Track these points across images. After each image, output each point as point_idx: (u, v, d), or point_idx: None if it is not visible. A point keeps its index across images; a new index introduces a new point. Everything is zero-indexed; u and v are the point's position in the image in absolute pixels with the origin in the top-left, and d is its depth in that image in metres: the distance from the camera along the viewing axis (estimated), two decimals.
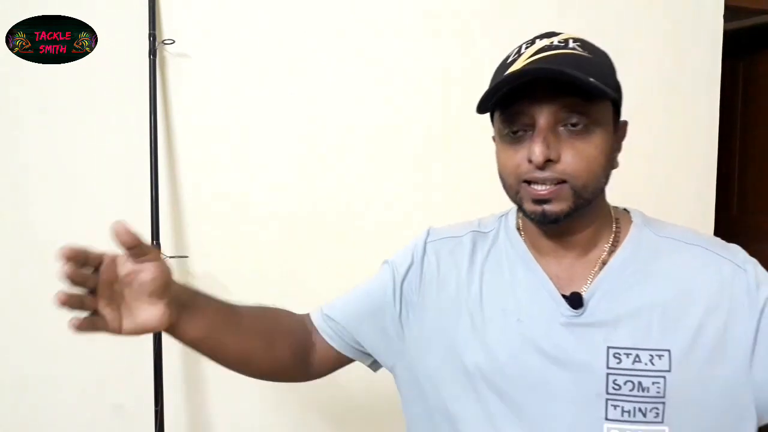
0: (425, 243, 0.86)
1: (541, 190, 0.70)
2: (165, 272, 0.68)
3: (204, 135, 1.30)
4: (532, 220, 0.74)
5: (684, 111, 1.63)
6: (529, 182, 0.70)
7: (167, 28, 1.25)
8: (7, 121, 1.21)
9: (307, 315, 0.89)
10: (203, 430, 1.34)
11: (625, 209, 0.83)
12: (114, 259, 0.67)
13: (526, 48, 0.73)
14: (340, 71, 1.36)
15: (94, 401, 1.27)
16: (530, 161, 0.69)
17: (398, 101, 1.40)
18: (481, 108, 0.72)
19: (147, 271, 0.66)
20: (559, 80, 0.67)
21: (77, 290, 0.64)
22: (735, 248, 0.77)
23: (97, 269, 0.66)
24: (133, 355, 1.26)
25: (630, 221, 0.80)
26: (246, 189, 1.33)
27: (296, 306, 1.21)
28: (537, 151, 0.68)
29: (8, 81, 1.20)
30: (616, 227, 0.79)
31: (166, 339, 1.23)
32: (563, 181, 0.69)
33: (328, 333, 0.86)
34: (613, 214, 0.80)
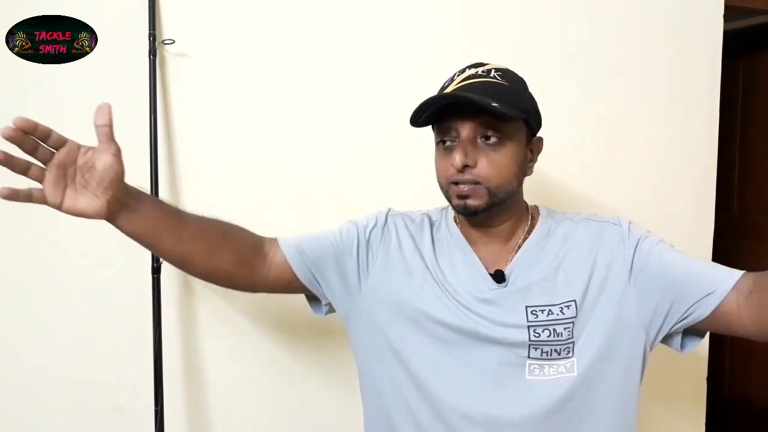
0: (387, 215, 1.06)
1: (462, 188, 0.90)
2: (119, 167, 0.82)
3: (204, 135, 1.30)
4: (457, 212, 0.95)
5: (684, 111, 1.63)
6: (455, 183, 0.91)
7: (167, 28, 1.25)
8: (7, 121, 1.21)
9: (272, 239, 1.04)
10: (203, 430, 1.34)
11: (535, 206, 1.04)
12: (78, 147, 0.80)
13: (458, 75, 0.94)
14: (342, 70, 1.36)
15: (94, 401, 1.27)
16: (453, 165, 0.89)
17: (401, 101, 1.39)
18: (413, 122, 0.93)
19: (105, 160, 0.80)
20: (476, 103, 0.86)
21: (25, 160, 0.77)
22: (614, 216, 1.00)
23: (56, 150, 0.79)
24: (133, 355, 1.26)
25: (539, 214, 1.02)
26: (246, 189, 1.33)
27: (297, 304, 1.21)
28: (456, 158, 0.88)
29: (8, 81, 1.20)
30: (531, 220, 1.00)
31: (166, 339, 1.24)
32: (478, 183, 0.89)
33: (293, 257, 1.01)
34: (529, 210, 1.01)
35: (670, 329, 0.92)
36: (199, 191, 1.31)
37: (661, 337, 0.93)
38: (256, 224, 1.33)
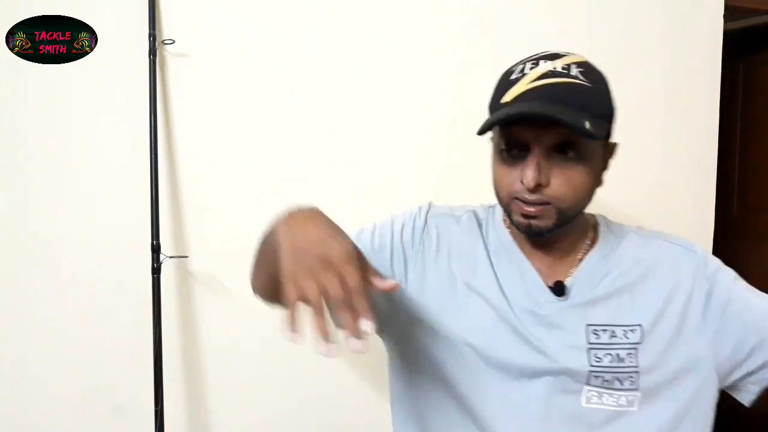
0: (426, 216, 0.93)
1: (529, 208, 0.77)
2: None
3: (204, 135, 1.30)
4: (518, 230, 0.82)
5: (684, 111, 1.63)
6: (520, 199, 0.78)
7: (167, 28, 1.25)
8: (7, 121, 1.21)
9: None
10: (203, 430, 1.34)
11: (592, 215, 0.93)
12: None
13: (531, 68, 0.77)
14: (343, 69, 1.36)
15: (94, 401, 1.27)
16: (522, 181, 0.76)
17: (403, 99, 1.40)
18: (483, 133, 0.78)
19: None
20: (567, 125, 0.72)
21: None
22: (683, 239, 0.90)
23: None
24: (133, 355, 1.26)
25: (597, 224, 0.91)
26: (246, 189, 1.33)
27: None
28: (529, 176, 0.75)
29: (8, 81, 1.20)
30: (593, 233, 0.89)
31: (166, 339, 1.24)
32: (548, 203, 0.77)
33: None
34: (590, 221, 0.90)
35: (742, 377, 0.83)
36: (199, 191, 1.31)
37: (728, 382, 0.84)
38: (255, 224, 1.34)
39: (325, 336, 0.58)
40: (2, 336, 1.23)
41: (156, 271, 1.21)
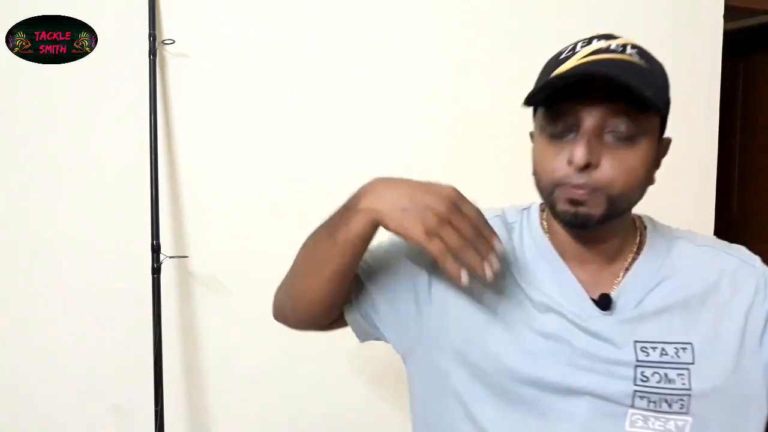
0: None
1: (577, 192, 0.69)
2: None
3: (204, 135, 1.30)
4: (562, 221, 0.73)
5: (684, 111, 1.62)
6: (566, 184, 0.70)
7: (167, 28, 1.25)
8: (7, 121, 1.21)
9: None
10: (203, 430, 1.34)
11: (638, 216, 0.85)
12: None
13: (582, 47, 0.72)
14: (343, 69, 1.36)
15: (94, 401, 1.27)
16: (569, 163, 0.68)
17: (403, 99, 1.40)
18: (530, 102, 0.71)
19: None
20: (613, 84, 0.65)
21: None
22: (739, 247, 0.82)
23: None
24: (133, 355, 1.26)
25: (644, 227, 0.83)
26: (246, 189, 1.33)
27: None
28: (578, 153, 0.67)
29: (8, 81, 1.20)
30: (641, 236, 0.81)
31: (166, 339, 1.24)
32: (597, 189, 0.69)
33: (350, 317, 0.88)
34: (637, 223, 0.82)
35: None
36: (199, 191, 1.31)
37: None
38: (255, 224, 1.34)
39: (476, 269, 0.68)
40: (2, 336, 1.23)
41: (156, 271, 1.21)
